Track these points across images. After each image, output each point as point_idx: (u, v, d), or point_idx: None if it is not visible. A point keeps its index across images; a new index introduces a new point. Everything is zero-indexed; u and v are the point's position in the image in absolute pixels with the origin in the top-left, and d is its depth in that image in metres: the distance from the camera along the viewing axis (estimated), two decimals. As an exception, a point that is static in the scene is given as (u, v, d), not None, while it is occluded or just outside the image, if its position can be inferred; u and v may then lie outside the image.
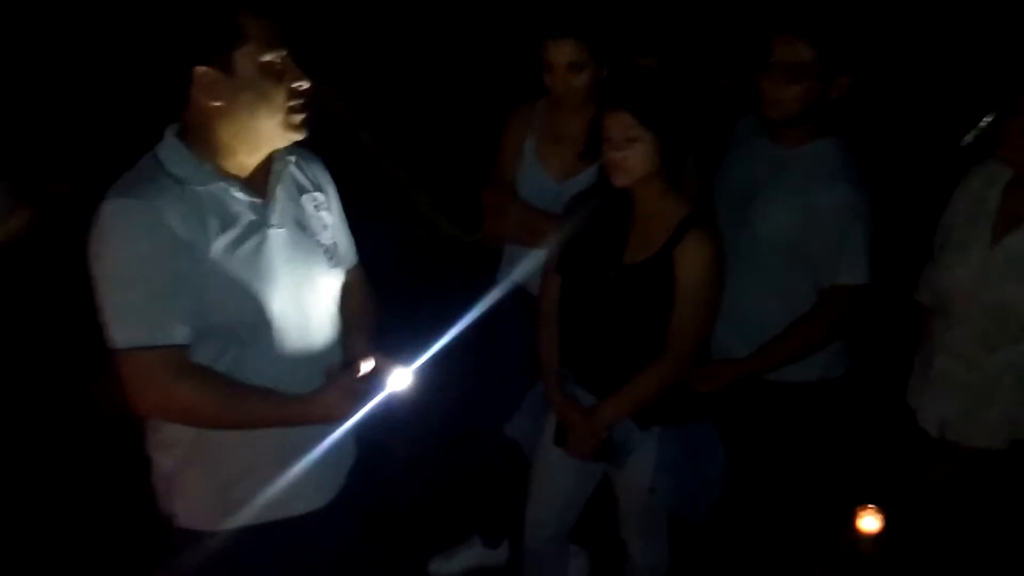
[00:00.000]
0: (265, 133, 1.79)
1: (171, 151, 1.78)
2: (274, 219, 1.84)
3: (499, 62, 5.34)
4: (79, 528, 3.28)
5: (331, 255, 1.97)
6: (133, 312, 1.70)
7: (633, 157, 2.20)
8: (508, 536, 3.21)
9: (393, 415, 1.89)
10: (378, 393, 1.86)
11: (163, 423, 1.85)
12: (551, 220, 2.61)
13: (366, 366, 1.86)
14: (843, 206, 2.40)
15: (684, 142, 2.25)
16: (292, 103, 1.79)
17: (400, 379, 1.88)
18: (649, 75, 2.37)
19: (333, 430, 1.89)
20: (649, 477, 2.41)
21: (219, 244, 1.75)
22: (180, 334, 1.72)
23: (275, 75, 1.75)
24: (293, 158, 1.93)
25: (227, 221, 1.77)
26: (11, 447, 3.48)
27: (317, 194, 1.99)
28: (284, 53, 1.77)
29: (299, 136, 1.84)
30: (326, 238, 1.97)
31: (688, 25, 4.85)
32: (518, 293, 2.88)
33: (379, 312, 2.14)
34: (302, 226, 1.91)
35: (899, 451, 2.53)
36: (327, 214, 2.00)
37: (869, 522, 2.43)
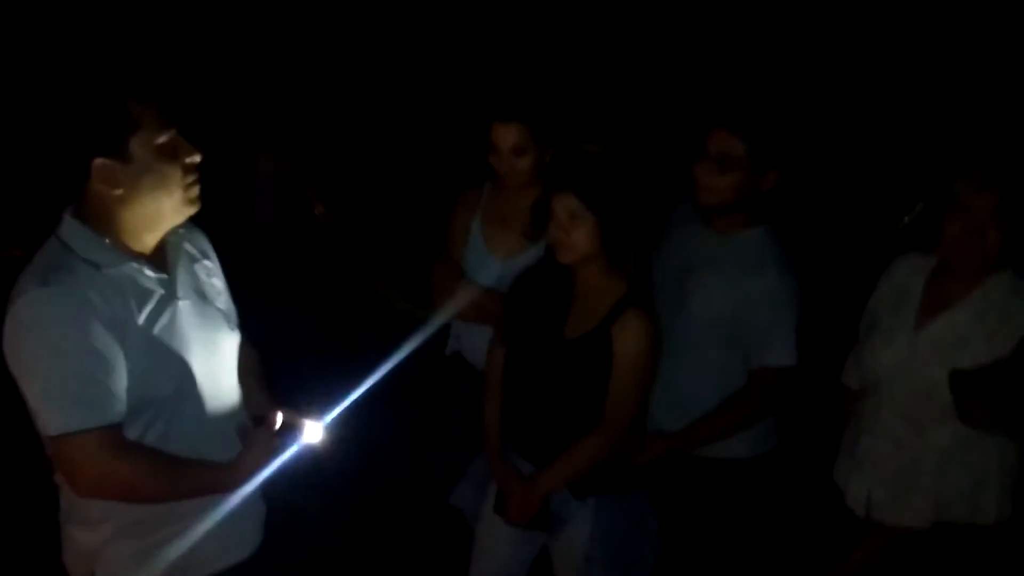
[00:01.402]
0: (166, 212, 1.83)
1: (77, 235, 1.79)
2: (180, 291, 1.89)
3: (452, 142, 5.44)
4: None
5: (229, 319, 2.04)
6: (66, 397, 1.70)
7: (577, 237, 2.27)
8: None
9: (307, 468, 1.94)
10: (292, 446, 1.91)
11: (88, 502, 1.85)
12: (496, 297, 2.67)
13: (278, 420, 1.91)
14: (773, 291, 2.48)
15: (626, 224, 2.32)
16: (189, 179, 1.83)
17: (313, 432, 1.94)
18: (594, 160, 2.45)
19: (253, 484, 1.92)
20: (585, 546, 2.43)
21: (139, 322, 1.78)
22: (114, 413, 1.74)
23: (170, 154, 1.79)
24: (182, 230, 1.97)
25: (142, 298, 1.80)
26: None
27: (207, 262, 2.05)
28: (173, 131, 1.81)
29: (196, 209, 1.88)
30: (222, 303, 2.03)
31: (632, 113, 5.01)
32: (462, 367, 2.93)
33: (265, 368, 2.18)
34: (202, 295, 1.97)
35: (826, 528, 2.55)
36: (218, 280, 2.06)
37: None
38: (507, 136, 2.70)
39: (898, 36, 4.86)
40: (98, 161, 1.73)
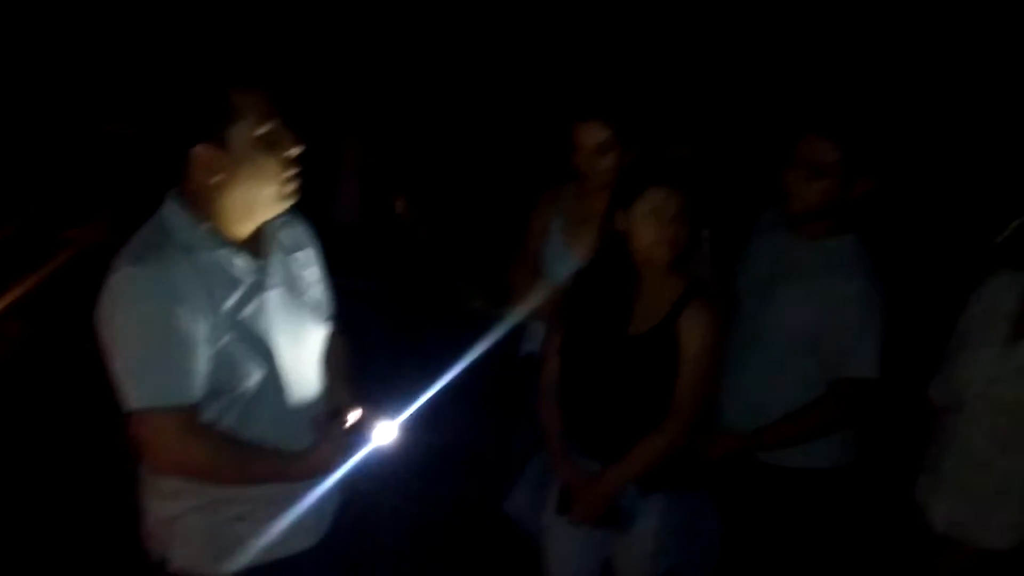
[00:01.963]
0: (262, 202, 1.86)
1: (175, 218, 1.83)
2: (270, 281, 1.91)
3: (536, 141, 5.45)
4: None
5: (319, 311, 2.06)
6: (147, 374, 1.76)
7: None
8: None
9: (380, 467, 1.95)
10: (365, 445, 1.93)
11: (164, 476, 1.90)
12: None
13: (353, 416, 1.94)
14: (858, 300, 2.44)
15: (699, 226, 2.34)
16: (287, 172, 1.85)
17: (385, 432, 1.96)
18: (676, 163, 2.45)
19: (323, 479, 1.95)
20: (651, 542, 2.43)
21: (225, 308, 1.81)
22: (191, 395, 1.78)
23: (269, 146, 1.81)
24: (282, 220, 1.99)
25: (231, 285, 1.84)
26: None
27: (303, 253, 2.07)
28: (276, 122, 1.82)
29: (293, 201, 1.90)
30: (314, 295, 2.05)
31: (719, 118, 4.95)
32: (536, 368, 2.92)
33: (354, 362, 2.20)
34: (293, 285, 1.99)
35: (903, 546, 2.52)
36: (313, 271, 2.08)
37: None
38: (590, 135, 2.70)
39: (1004, 45, 4.71)
40: (198, 148, 1.77)
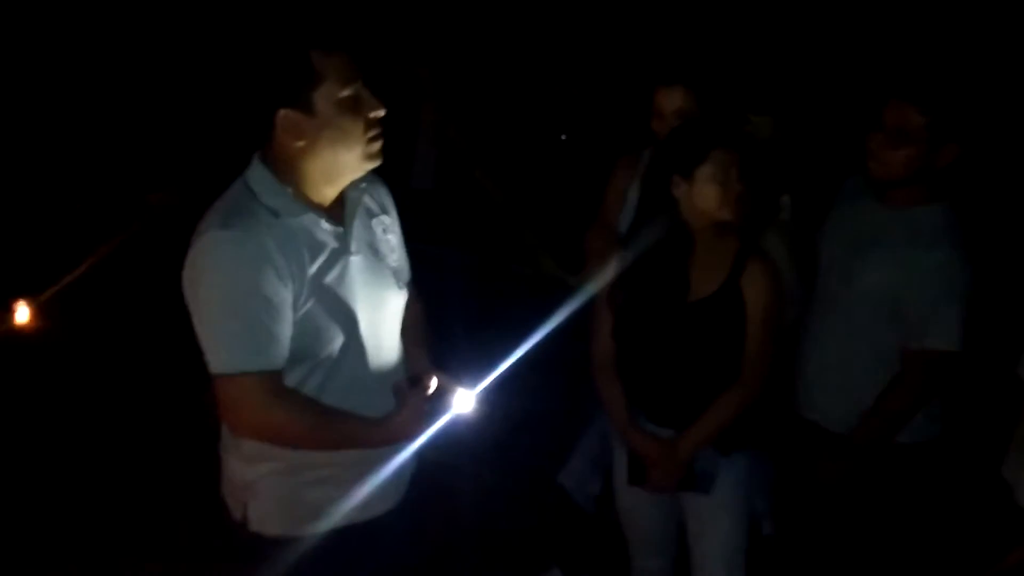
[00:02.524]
0: (346, 165, 1.86)
1: (262, 181, 1.84)
2: (353, 245, 1.92)
3: (610, 109, 5.40)
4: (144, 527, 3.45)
5: (399, 276, 2.05)
6: (233, 339, 1.77)
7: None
8: (588, 572, 3.24)
9: (457, 436, 1.96)
10: (444, 414, 1.94)
11: (244, 438, 1.93)
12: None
13: (432, 383, 1.94)
14: (942, 270, 2.37)
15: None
16: (371, 133, 1.85)
17: (464, 401, 1.95)
18: (732, 124, 2.46)
19: (402, 445, 1.96)
20: (741, 503, 2.46)
21: (310, 273, 1.82)
22: (276, 359, 1.80)
23: (353, 109, 1.80)
24: (364, 184, 1.99)
25: (315, 250, 1.84)
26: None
27: (384, 217, 2.06)
28: (359, 85, 1.82)
29: (377, 163, 1.90)
30: (394, 260, 2.05)
31: (804, 83, 4.83)
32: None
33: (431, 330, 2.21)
34: (374, 250, 1.99)
35: (991, 525, 2.45)
36: (393, 237, 2.08)
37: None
38: (672, 100, 2.68)
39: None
40: (282, 112, 1.77)
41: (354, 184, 1.95)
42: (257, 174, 1.85)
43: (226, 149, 1.98)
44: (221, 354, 1.78)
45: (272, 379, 1.80)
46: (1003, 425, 2.47)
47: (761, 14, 5.34)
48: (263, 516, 1.96)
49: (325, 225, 1.87)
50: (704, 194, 2.30)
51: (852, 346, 2.53)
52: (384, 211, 2.08)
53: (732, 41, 5.01)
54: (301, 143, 1.80)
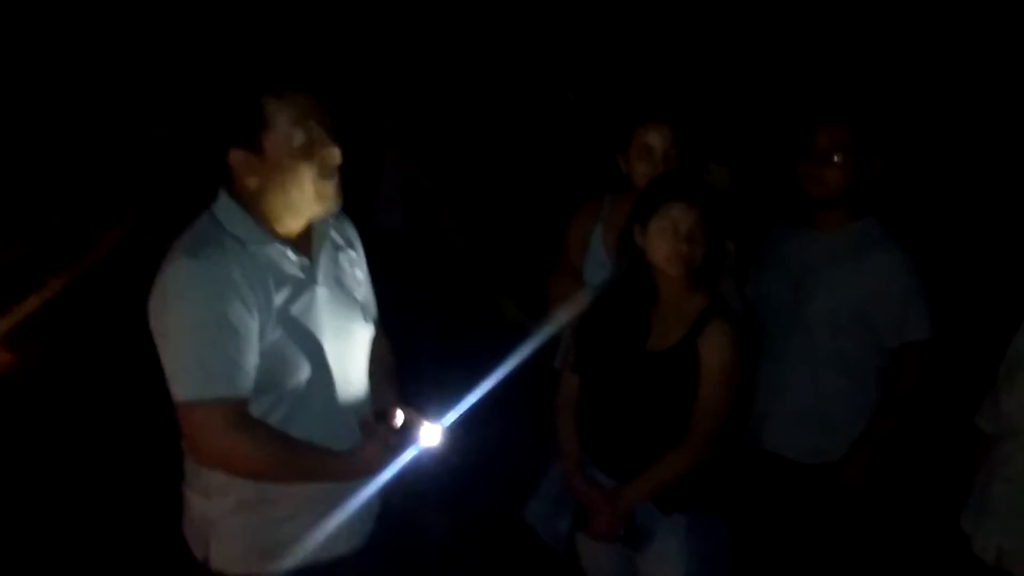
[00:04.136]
0: (300, 205, 1.86)
1: (228, 212, 1.85)
2: (320, 277, 1.93)
3: (572, 152, 5.42)
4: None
5: (365, 310, 2.06)
6: (198, 365, 1.76)
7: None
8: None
9: (423, 470, 1.95)
10: (410, 447, 1.93)
11: (210, 471, 1.90)
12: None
13: (399, 418, 1.93)
14: (901, 269, 2.56)
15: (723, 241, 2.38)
16: (325, 178, 1.84)
17: (430, 434, 1.95)
18: (692, 178, 2.41)
19: (368, 479, 1.95)
20: (674, 563, 2.38)
21: (277, 303, 1.83)
22: (242, 388, 1.78)
23: (304, 153, 1.80)
24: (330, 219, 1.99)
25: (281, 281, 1.85)
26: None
27: (351, 252, 2.07)
28: (314, 129, 1.81)
29: (333, 206, 1.89)
30: (360, 294, 2.06)
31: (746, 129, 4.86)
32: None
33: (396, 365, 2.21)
34: (341, 283, 2.00)
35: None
36: (360, 271, 2.09)
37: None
38: (663, 137, 2.67)
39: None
40: (232, 152, 1.79)
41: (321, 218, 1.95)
42: (223, 205, 1.86)
43: (192, 182, 1.98)
44: (186, 381, 1.77)
45: (237, 407, 1.79)
46: (959, 478, 2.50)
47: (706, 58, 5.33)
48: (226, 554, 1.93)
49: (292, 256, 1.88)
50: (653, 247, 2.30)
51: (823, 372, 2.63)
52: (351, 246, 2.08)
53: (713, 81, 5.03)
54: (254, 181, 1.81)
